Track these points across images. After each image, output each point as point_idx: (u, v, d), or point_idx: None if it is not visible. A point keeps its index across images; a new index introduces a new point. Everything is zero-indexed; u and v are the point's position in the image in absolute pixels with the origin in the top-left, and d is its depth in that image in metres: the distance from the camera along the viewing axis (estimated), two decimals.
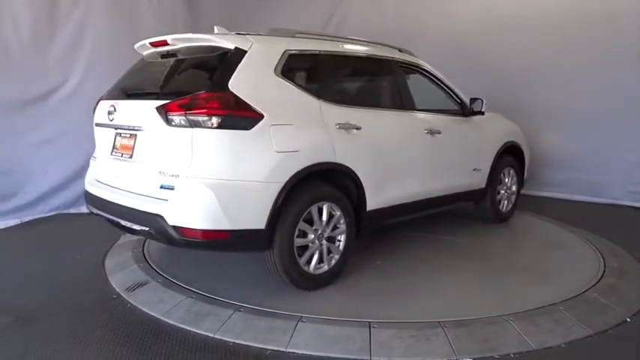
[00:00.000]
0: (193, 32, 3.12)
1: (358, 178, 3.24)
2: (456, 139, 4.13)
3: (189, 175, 2.69)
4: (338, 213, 3.17)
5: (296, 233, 2.96)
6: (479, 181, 4.42)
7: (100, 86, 3.64)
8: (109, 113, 3.16)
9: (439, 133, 3.86)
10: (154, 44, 3.28)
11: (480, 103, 4.24)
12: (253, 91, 2.81)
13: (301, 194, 2.95)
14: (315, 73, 3.33)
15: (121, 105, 3.12)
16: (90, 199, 3.34)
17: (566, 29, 5.77)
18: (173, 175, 2.74)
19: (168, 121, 2.72)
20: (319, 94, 3.15)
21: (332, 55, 3.39)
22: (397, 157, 3.59)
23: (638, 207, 5.55)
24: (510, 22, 6.12)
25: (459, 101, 4.26)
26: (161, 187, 2.77)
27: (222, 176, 2.68)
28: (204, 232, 2.67)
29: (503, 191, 4.74)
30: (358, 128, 3.26)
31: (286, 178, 2.83)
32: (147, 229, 2.84)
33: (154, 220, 2.74)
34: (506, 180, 4.76)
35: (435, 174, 3.93)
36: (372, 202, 3.37)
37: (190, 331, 2.74)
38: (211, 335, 2.69)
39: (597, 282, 3.34)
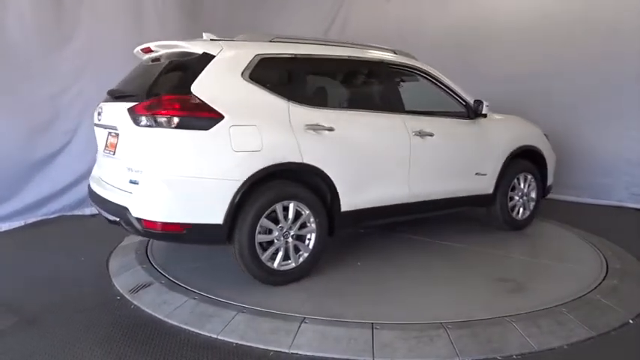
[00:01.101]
0: (196, 38, 3.29)
1: (330, 178, 3.28)
2: (452, 142, 4.00)
3: (149, 171, 2.91)
4: (306, 212, 3.24)
5: (258, 229, 3.07)
6: (484, 186, 4.24)
7: (104, 90, 3.66)
8: (99, 114, 3.46)
9: (431, 135, 3.77)
10: (142, 50, 3.54)
11: (480, 105, 4.11)
12: (216, 93, 2.96)
13: (264, 192, 3.07)
14: (288, 75, 3.37)
15: (106, 106, 3.38)
16: (90, 193, 3.59)
17: (568, 30, 5.77)
18: (138, 171, 2.96)
19: (136, 121, 2.93)
20: (290, 96, 3.22)
21: (308, 59, 3.43)
22: (377, 158, 3.55)
23: None
24: (513, 23, 6.13)
25: (464, 103, 4.13)
26: (130, 182, 3.00)
27: (179, 173, 2.87)
28: (162, 224, 2.87)
29: (517, 197, 4.49)
30: (331, 129, 3.29)
31: (245, 177, 2.95)
32: (118, 219, 3.08)
33: (122, 211, 2.98)
34: (522, 186, 4.51)
35: (426, 177, 3.83)
36: (348, 203, 3.39)
37: (193, 332, 2.76)
38: (214, 336, 2.70)
39: (600, 284, 3.34)
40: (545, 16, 5.96)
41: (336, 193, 3.33)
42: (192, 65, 3.03)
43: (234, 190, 2.94)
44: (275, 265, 3.19)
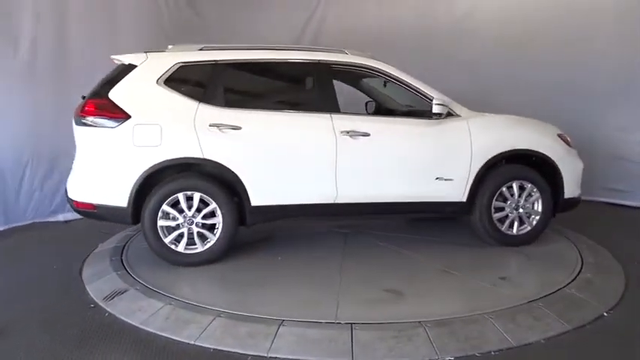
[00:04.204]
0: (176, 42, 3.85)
1: (235, 174, 3.52)
2: (396, 143, 3.77)
3: (75, 161, 3.60)
4: (212, 203, 3.52)
5: (159, 215, 3.48)
6: (450, 192, 3.84)
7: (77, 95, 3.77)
8: None
9: (366, 135, 3.65)
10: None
11: (431, 105, 3.71)
12: (129, 97, 3.48)
13: (167, 182, 3.51)
14: (205, 80, 3.66)
15: None
16: None
17: (549, 25, 5.81)
18: (74, 160, 3.62)
19: (75, 121, 3.54)
20: (203, 99, 3.56)
21: (229, 64, 3.72)
22: (291, 157, 3.62)
23: (614, 203, 5.67)
24: (494, 20, 6.16)
25: (430, 102, 3.75)
26: (71, 169, 3.66)
27: (91, 162, 3.53)
28: (79, 203, 3.55)
29: (509, 209, 3.94)
30: (237, 128, 3.50)
31: (144, 168, 3.43)
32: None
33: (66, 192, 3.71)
34: (516, 196, 3.92)
35: (361, 178, 3.72)
36: (258, 198, 3.59)
37: (170, 338, 2.71)
38: (191, 342, 2.66)
39: (575, 278, 3.38)
40: (525, 6, 5.99)
41: (244, 188, 3.54)
42: (120, 74, 3.57)
43: (135, 178, 3.42)
44: (180, 248, 3.54)
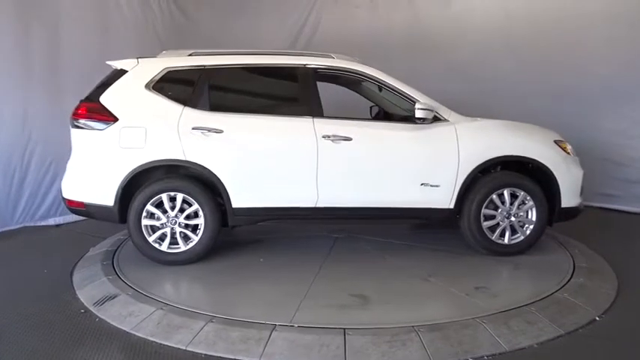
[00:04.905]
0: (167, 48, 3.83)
1: (216, 175, 3.60)
2: (380, 148, 3.74)
3: (69, 161, 3.74)
4: (195, 204, 3.62)
5: (144, 214, 3.59)
6: (437, 199, 3.76)
7: (72, 98, 3.84)
8: None
9: (348, 140, 3.64)
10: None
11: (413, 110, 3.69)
12: (119, 101, 3.61)
13: (150, 183, 3.63)
14: (192, 84, 3.73)
15: None
16: None
17: (545, 29, 5.83)
18: (68, 160, 3.77)
19: (71, 123, 3.69)
20: (188, 102, 3.65)
21: (215, 69, 3.78)
22: (271, 160, 3.65)
23: (608, 208, 5.69)
24: (489, 25, 6.19)
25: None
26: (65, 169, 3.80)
27: (82, 162, 3.67)
28: (70, 201, 3.71)
29: (499, 217, 3.85)
30: (219, 131, 3.57)
31: (129, 169, 3.55)
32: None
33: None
34: (507, 204, 3.81)
35: (343, 183, 3.71)
36: (239, 200, 3.65)
37: (161, 344, 2.69)
38: (182, 348, 2.64)
39: (567, 282, 3.39)
40: (510, 10, 6.04)
41: (226, 190, 3.62)
42: (112, 78, 3.70)
43: (120, 179, 3.55)
44: (163, 247, 3.64)
